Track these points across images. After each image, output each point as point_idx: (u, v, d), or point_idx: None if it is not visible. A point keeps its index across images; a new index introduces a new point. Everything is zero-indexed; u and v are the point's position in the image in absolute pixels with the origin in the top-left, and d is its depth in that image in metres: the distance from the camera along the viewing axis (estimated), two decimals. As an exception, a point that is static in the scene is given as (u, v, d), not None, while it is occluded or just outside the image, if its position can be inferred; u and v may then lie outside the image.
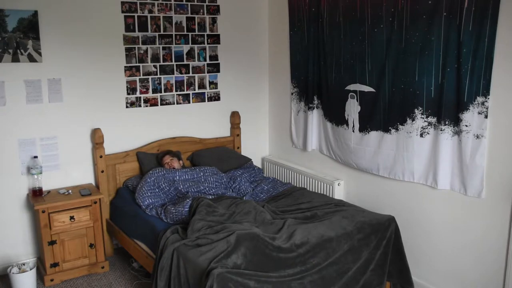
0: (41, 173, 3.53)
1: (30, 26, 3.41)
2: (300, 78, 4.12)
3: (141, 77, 3.94)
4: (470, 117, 2.80)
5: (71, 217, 3.44)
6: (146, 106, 4.01)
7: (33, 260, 3.51)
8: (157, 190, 3.54)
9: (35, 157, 3.56)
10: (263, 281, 2.51)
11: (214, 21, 4.23)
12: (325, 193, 3.86)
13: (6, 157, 3.50)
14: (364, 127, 3.49)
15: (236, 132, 4.47)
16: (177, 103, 4.16)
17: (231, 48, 4.37)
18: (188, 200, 3.26)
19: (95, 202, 3.54)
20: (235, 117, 4.44)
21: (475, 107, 2.77)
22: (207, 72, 4.28)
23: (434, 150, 3.05)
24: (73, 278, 3.55)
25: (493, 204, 2.81)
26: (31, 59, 3.46)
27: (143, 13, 3.86)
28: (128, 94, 3.91)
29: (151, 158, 3.92)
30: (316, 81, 3.93)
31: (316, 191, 3.93)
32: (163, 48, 4.01)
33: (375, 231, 3.00)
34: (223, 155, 4.17)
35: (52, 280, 3.46)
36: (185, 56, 4.13)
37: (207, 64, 4.27)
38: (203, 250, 2.67)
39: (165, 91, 4.08)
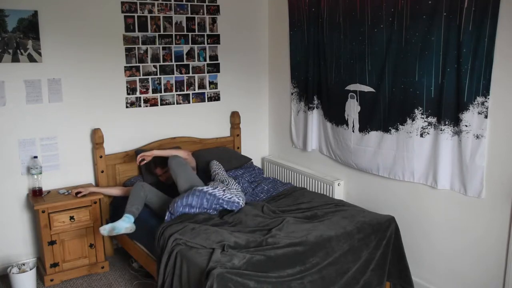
0: (41, 173, 3.53)
1: (30, 26, 3.41)
2: (300, 78, 4.12)
3: (141, 77, 3.94)
4: (470, 117, 2.80)
5: (71, 217, 3.44)
6: (146, 106, 4.01)
7: (33, 260, 3.51)
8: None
9: (35, 157, 3.56)
10: (263, 281, 2.51)
11: (214, 21, 4.23)
12: (325, 193, 3.86)
13: (6, 157, 3.50)
14: (364, 127, 3.49)
15: (236, 132, 4.47)
16: (177, 103, 4.16)
17: (231, 48, 4.37)
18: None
19: (95, 202, 3.54)
20: (235, 117, 4.44)
21: (475, 107, 2.77)
22: (207, 72, 4.28)
23: (434, 150, 3.05)
24: (73, 278, 3.55)
25: (493, 204, 2.81)
26: (31, 59, 3.46)
27: (143, 13, 3.86)
28: (128, 94, 3.91)
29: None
30: (316, 81, 3.93)
31: (316, 191, 3.93)
32: (163, 48, 4.01)
33: (375, 231, 3.00)
34: (223, 155, 4.16)
35: (52, 280, 3.46)
36: (185, 56, 4.13)
37: (207, 64, 4.27)
38: (203, 252, 2.67)
39: (165, 91, 4.08)
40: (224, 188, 3.29)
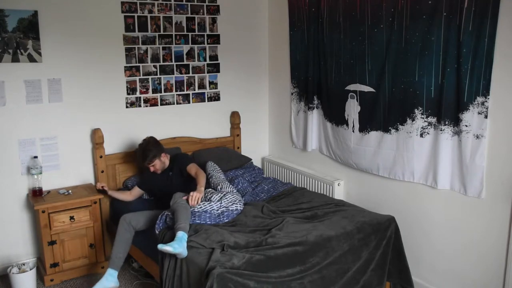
0: (41, 173, 3.53)
1: (30, 26, 3.41)
2: (300, 78, 4.12)
3: (141, 77, 3.94)
4: (470, 117, 2.80)
5: (71, 217, 3.44)
6: (146, 106, 4.01)
7: (33, 260, 3.51)
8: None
9: (35, 157, 3.55)
10: (263, 281, 2.51)
11: (214, 21, 4.23)
12: (325, 193, 3.86)
13: (6, 157, 3.50)
14: (364, 127, 3.49)
15: (236, 132, 4.47)
16: (177, 103, 4.16)
17: (231, 48, 4.37)
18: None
19: (95, 202, 3.54)
20: (235, 117, 4.44)
21: (475, 107, 2.77)
22: (207, 72, 4.28)
23: (434, 150, 3.05)
24: (73, 278, 3.55)
25: (493, 204, 2.81)
26: (31, 59, 3.46)
27: (143, 13, 3.86)
28: (128, 94, 3.91)
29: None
30: (316, 81, 3.93)
31: (316, 191, 3.93)
32: (163, 48, 4.01)
33: (375, 231, 3.00)
34: (223, 155, 4.17)
35: (52, 280, 3.46)
36: (185, 56, 4.13)
37: (207, 64, 4.27)
38: (202, 252, 2.67)
39: (165, 91, 4.08)
40: (220, 196, 3.28)
